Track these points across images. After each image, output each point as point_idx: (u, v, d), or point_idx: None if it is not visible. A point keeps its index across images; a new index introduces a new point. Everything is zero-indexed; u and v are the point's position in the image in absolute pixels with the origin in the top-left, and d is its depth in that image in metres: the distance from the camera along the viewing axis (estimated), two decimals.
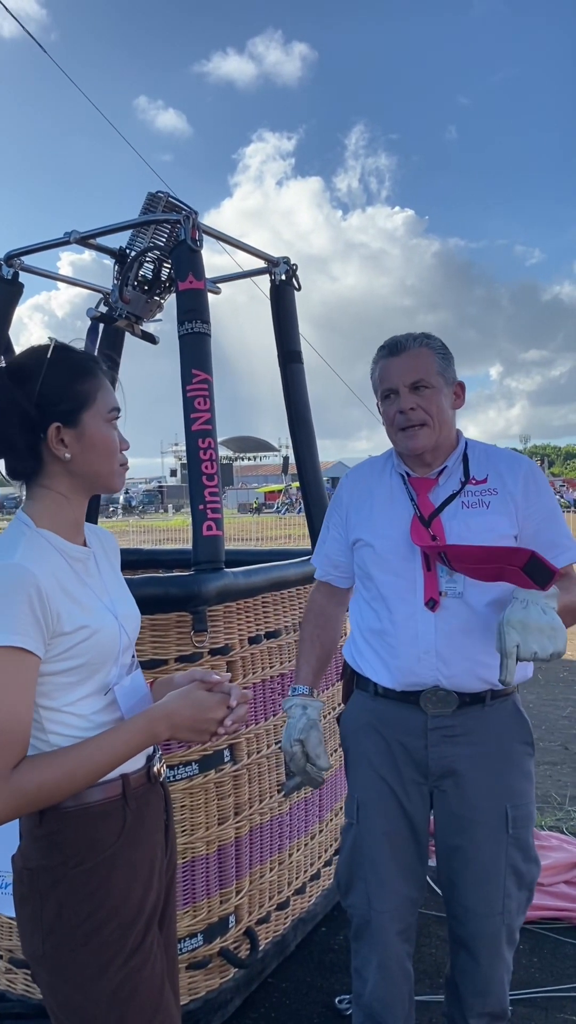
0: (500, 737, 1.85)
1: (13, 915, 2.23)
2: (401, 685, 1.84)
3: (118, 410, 1.42)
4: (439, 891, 1.98)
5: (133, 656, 1.47)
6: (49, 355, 1.34)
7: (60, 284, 3.44)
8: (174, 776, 2.18)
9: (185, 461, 2.45)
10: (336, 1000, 2.49)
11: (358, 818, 1.92)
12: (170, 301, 2.80)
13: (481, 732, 1.83)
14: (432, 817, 1.93)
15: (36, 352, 1.37)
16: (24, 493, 1.40)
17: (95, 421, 1.37)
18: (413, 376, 1.82)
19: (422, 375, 1.82)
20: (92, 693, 1.34)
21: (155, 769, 1.47)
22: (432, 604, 1.80)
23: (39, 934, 1.32)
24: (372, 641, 1.90)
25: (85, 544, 1.43)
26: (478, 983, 1.86)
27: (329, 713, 2.91)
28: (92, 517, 3.30)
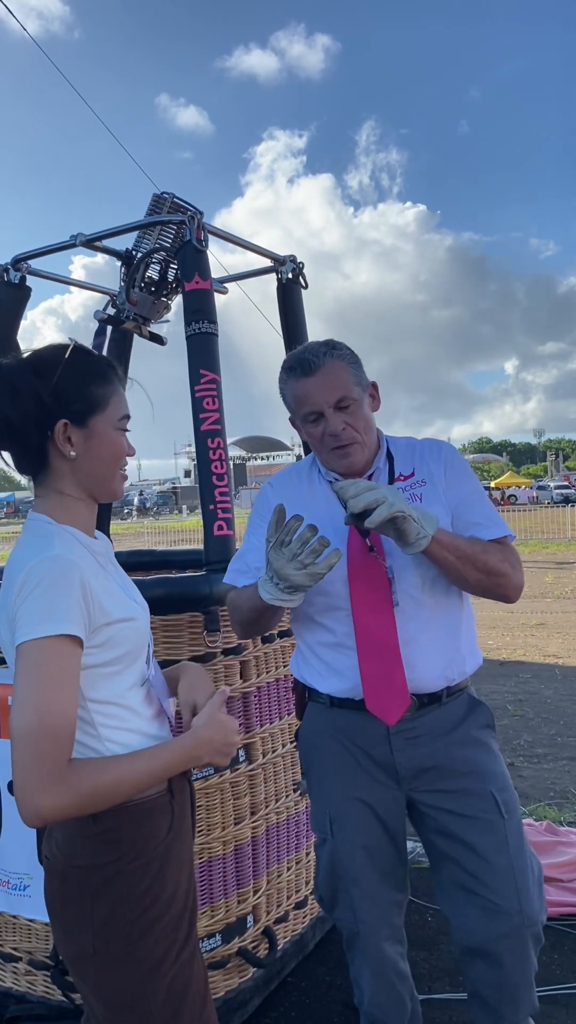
0: (461, 726, 1.82)
1: (32, 917, 2.26)
2: (362, 695, 1.77)
3: (128, 417, 1.44)
4: None
5: (151, 647, 1.49)
6: (68, 354, 1.36)
7: (73, 287, 3.46)
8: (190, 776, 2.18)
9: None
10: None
11: (332, 832, 1.86)
12: (177, 302, 2.81)
13: (443, 727, 1.80)
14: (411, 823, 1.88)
15: (56, 349, 1.39)
16: (33, 492, 1.41)
17: (104, 426, 1.39)
18: (335, 395, 1.75)
19: (343, 392, 1.75)
20: (134, 684, 1.37)
21: None
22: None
23: (88, 933, 1.31)
24: (324, 655, 1.84)
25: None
26: (507, 990, 1.76)
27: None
28: (104, 521, 3.31)
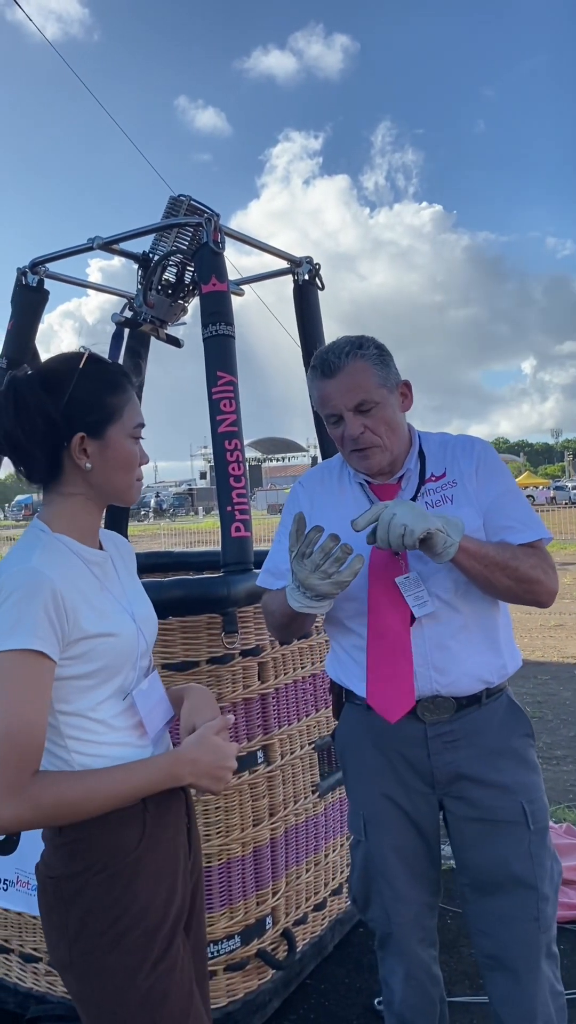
0: (500, 734, 1.79)
1: None
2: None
3: (143, 426, 1.44)
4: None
5: (150, 659, 1.48)
6: (82, 365, 1.36)
7: (90, 290, 3.47)
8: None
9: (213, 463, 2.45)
10: (375, 1001, 2.48)
11: (366, 835, 1.86)
12: (194, 304, 2.81)
13: (482, 733, 1.77)
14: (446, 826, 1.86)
15: (69, 360, 1.38)
16: (41, 498, 1.41)
17: (119, 436, 1.38)
18: (354, 398, 1.70)
19: (363, 396, 1.70)
20: (110, 697, 1.35)
21: None
22: (411, 619, 1.72)
23: (65, 942, 1.32)
24: (358, 658, 1.81)
25: (101, 548, 1.44)
26: (523, 1004, 1.75)
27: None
28: (122, 523, 3.32)
